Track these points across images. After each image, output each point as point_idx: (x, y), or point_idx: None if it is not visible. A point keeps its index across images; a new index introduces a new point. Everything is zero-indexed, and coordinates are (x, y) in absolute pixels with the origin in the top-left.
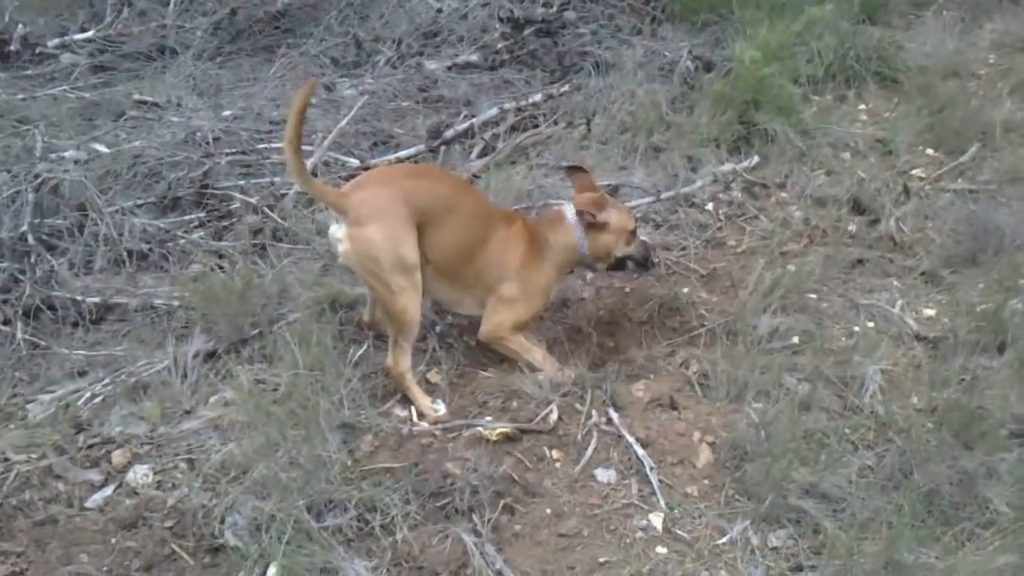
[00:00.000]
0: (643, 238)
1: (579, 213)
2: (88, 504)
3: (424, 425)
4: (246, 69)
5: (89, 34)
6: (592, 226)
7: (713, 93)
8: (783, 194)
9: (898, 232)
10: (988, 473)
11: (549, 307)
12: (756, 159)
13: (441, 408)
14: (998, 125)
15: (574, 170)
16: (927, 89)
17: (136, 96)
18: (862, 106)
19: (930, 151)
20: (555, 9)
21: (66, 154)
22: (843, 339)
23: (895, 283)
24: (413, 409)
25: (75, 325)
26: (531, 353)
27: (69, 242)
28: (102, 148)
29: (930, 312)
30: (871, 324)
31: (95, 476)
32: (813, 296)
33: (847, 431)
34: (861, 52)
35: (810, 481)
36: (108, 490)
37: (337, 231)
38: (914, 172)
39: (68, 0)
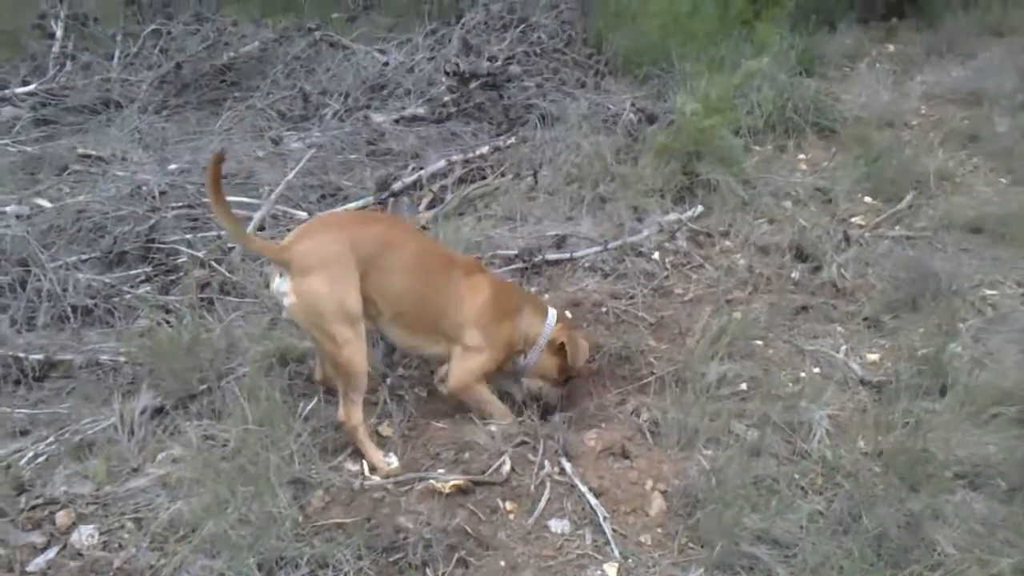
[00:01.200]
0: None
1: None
2: (30, 568)
3: (376, 479)
4: (192, 122)
5: (31, 87)
6: (558, 350)
7: (656, 144)
8: (727, 242)
9: (840, 279)
10: (934, 515)
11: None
12: (700, 208)
13: (393, 461)
14: (932, 174)
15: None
16: (863, 139)
17: (80, 150)
18: (801, 156)
19: (868, 199)
20: (500, 63)
21: (7, 209)
22: (790, 385)
23: (839, 329)
24: (365, 463)
25: (17, 383)
26: (493, 405)
27: (11, 298)
28: (45, 203)
29: (873, 357)
30: (816, 370)
31: (38, 538)
32: (759, 343)
33: (796, 476)
34: (799, 103)
35: (761, 527)
36: (51, 553)
37: (282, 284)
38: (853, 219)
39: (8, 53)
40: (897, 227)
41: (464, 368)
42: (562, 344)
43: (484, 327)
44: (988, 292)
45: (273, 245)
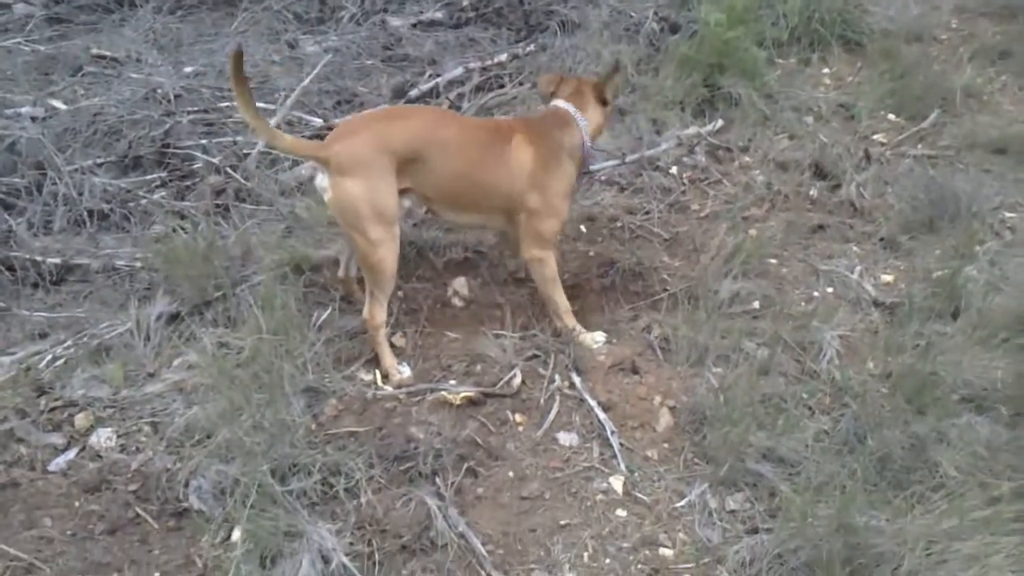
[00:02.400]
0: None
1: (598, 92)
2: (51, 468)
3: (388, 389)
4: (207, 24)
5: None
6: (603, 104)
7: (678, 55)
8: (746, 158)
9: (858, 198)
10: (939, 438)
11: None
12: (720, 123)
13: (406, 371)
14: (958, 91)
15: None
16: (890, 54)
17: (94, 50)
18: (826, 70)
19: (891, 116)
20: None
21: (22, 110)
22: (802, 304)
23: (854, 249)
24: (377, 373)
25: (35, 286)
26: (560, 295)
27: (27, 201)
28: (60, 104)
29: (888, 278)
30: (830, 289)
31: (58, 439)
32: (774, 261)
33: (804, 396)
34: (826, 15)
35: (767, 445)
36: (71, 453)
37: (323, 181)
38: (875, 137)
39: None
40: (919, 146)
41: (534, 234)
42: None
43: (541, 186)
44: (1008, 215)
45: (311, 144)
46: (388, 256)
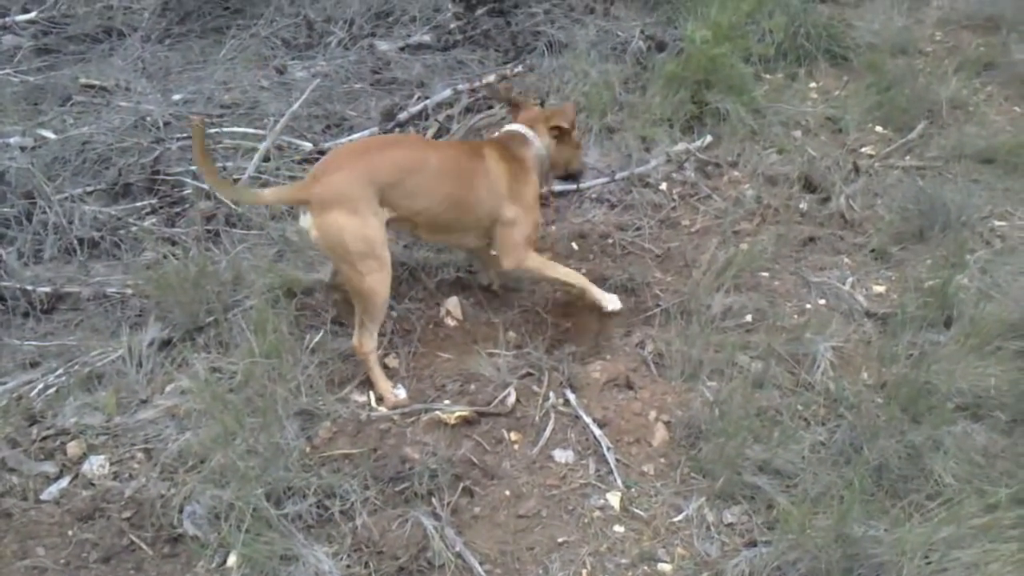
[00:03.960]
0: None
1: (554, 128)
2: (43, 497)
3: (382, 410)
4: (196, 52)
5: (31, 15)
6: (560, 136)
7: (666, 73)
8: (736, 173)
9: (848, 210)
10: (935, 446)
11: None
12: (709, 138)
13: (401, 392)
14: (944, 102)
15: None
16: (876, 67)
17: (83, 80)
18: (813, 84)
19: (879, 128)
20: None
21: (11, 140)
22: (795, 317)
23: (846, 260)
24: (371, 394)
25: (26, 315)
26: (557, 270)
27: (17, 231)
28: (49, 134)
29: (880, 289)
30: (822, 301)
31: (50, 468)
32: (765, 274)
33: (799, 408)
34: (811, 30)
35: (763, 458)
36: (64, 482)
37: (306, 221)
38: (863, 149)
39: None
40: (907, 157)
41: (509, 244)
42: (557, 128)
43: (516, 196)
44: (997, 223)
45: (291, 189)
46: (379, 286)
